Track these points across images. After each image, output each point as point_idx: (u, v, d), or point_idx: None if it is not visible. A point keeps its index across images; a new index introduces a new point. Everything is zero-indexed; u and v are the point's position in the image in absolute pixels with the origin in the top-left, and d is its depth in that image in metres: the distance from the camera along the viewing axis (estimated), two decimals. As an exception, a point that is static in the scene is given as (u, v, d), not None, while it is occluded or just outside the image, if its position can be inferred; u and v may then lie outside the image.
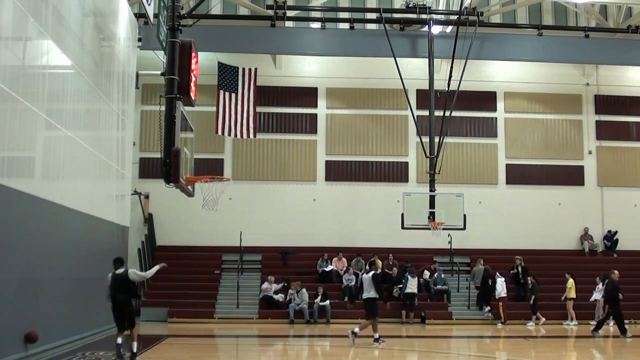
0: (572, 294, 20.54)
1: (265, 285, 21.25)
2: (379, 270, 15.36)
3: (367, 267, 15.86)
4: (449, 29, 22.71)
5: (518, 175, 25.47)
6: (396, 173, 25.10)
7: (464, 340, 17.59)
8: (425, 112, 22.30)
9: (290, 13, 23.00)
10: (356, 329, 14.54)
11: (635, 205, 25.62)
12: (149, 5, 15.80)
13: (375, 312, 14.69)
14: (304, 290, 20.75)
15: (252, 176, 24.67)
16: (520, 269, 21.75)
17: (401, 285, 21.11)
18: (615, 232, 25.18)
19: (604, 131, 25.95)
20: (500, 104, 25.73)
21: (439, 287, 21.86)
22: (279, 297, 20.91)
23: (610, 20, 25.57)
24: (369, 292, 14.69)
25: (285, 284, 21.18)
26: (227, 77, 22.02)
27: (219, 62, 22.00)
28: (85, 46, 15.07)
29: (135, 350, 11.68)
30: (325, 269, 22.49)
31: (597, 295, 20.70)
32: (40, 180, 12.63)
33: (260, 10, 23.24)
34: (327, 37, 23.05)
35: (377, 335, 14.45)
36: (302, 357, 14.30)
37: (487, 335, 18.42)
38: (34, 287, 12.16)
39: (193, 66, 12.11)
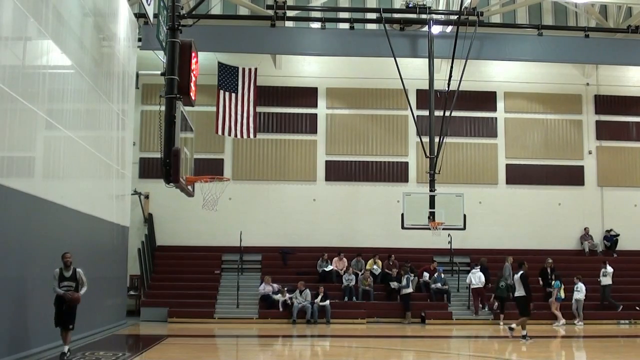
0: (558, 294, 20.64)
1: (262, 286, 21.20)
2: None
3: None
4: (449, 29, 22.71)
5: (518, 175, 25.47)
6: (396, 173, 25.10)
7: (464, 340, 17.58)
8: (425, 112, 22.31)
9: (290, 13, 22.99)
10: (513, 325, 15.85)
11: (635, 205, 25.61)
12: (149, 5, 15.80)
13: (526, 310, 15.70)
14: (307, 290, 20.76)
15: (252, 176, 24.67)
16: (549, 270, 22.00)
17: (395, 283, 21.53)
18: (617, 235, 25.15)
19: (604, 131, 25.94)
20: (500, 104, 25.73)
21: (439, 287, 21.86)
22: (279, 297, 20.88)
23: (610, 20, 25.56)
24: (519, 291, 15.71)
25: (286, 289, 21.04)
26: (227, 77, 22.01)
27: (219, 62, 22.00)
28: (85, 46, 15.07)
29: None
30: (325, 269, 22.49)
31: (578, 295, 20.75)
32: (40, 180, 12.64)
33: (260, 10, 23.24)
34: (327, 37, 23.04)
35: (524, 332, 15.38)
36: (302, 357, 14.30)
37: (487, 335, 18.41)
38: (33, 287, 12.16)
39: (193, 66, 12.11)
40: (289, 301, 20.59)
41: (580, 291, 20.67)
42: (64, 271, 11.77)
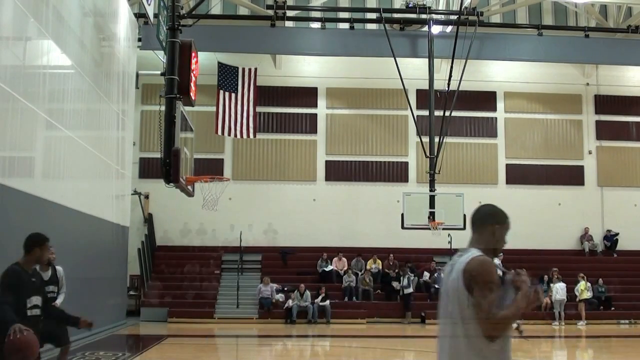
0: None
1: (261, 287, 21.17)
2: None
3: None
4: (449, 29, 22.70)
5: (518, 175, 25.45)
6: (396, 173, 25.09)
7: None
8: (425, 112, 22.29)
9: (290, 13, 22.98)
10: None
11: (635, 205, 25.60)
12: (149, 5, 15.80)
13: None
14: (307, 292, 20.77)
15: (252, 176, 24.66)
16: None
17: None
18: (617, 234, 25.16)
19: (604, 131, 25.93)
20: (500, 104, 25.73)
21: (439, 287, 21.89)
22: (280, 296, 20.87)
23: (610, 20, 25.56)
24: None
25: (286, 289, 21.03)
26: (227, 77, 22.00)
27: (219, 62, 21.99)
28: (85, 46, 15.07)
29: None
30: (325, 269, 22.49)
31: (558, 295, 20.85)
32: (40, 180, 12.63)
33: (260, 10, 23.24)
34: (327, 37, 23.05)
35: None
36: (302, 357, 14.30)
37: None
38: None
39: (193, 66, 12.12)
40: (291, 304, 20.53)
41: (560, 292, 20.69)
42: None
